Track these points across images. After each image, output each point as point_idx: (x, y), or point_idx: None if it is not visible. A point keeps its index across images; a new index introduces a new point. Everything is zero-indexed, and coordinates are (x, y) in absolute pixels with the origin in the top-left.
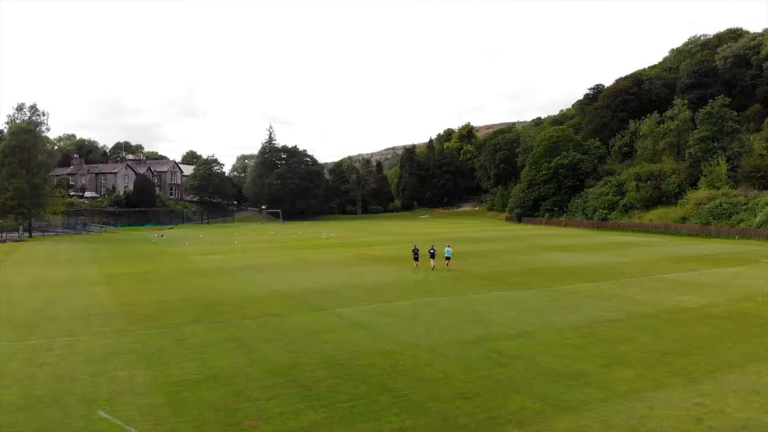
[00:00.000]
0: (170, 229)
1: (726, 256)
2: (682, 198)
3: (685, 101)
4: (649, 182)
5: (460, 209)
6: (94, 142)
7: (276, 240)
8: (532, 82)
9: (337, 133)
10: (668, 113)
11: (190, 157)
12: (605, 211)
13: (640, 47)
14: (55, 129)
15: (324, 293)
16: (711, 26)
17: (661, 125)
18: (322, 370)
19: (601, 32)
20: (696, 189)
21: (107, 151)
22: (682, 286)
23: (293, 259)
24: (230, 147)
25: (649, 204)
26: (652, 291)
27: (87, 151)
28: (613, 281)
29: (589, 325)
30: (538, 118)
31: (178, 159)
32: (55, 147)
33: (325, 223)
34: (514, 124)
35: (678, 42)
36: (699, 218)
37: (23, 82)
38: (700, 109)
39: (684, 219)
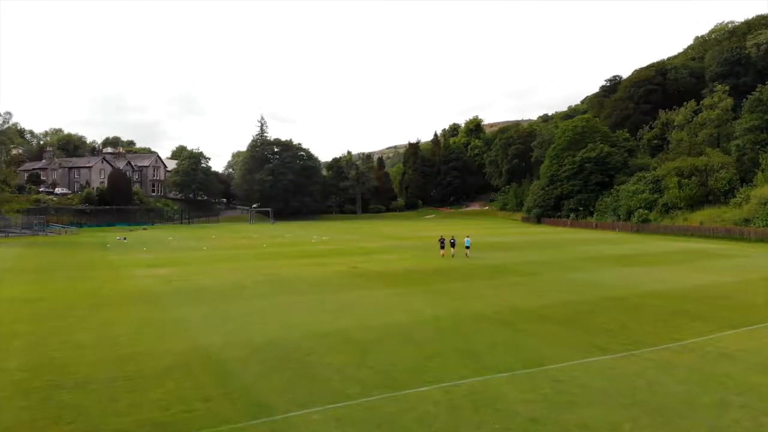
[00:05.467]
0: (144, 229)
1: None
2: (734, 196)
3: (726, 88)
4: (693, 178)
5: (469, 208)
6: (82, 137)
7: (255, 245)
8: (536, 79)
9: (339, 131)
10: (706, 101)
11: (180, 152)
12: (645, 212)
13: (650, 41)
14: (54, 125)
15: (284, 358)
16: (722, 16)
17: (699, 115)
18: None
19: (606, 28)
20: (751, 186)
21: (97, 146)
22: None
23: (263, 276)
24: (233, 145)
25: (694, 203)
26: None
27: (74, 147)
28: (758, 326)
29: None
30: (545, 115)
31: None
32: (41, 141)
33: (321, 224)
34: (519, 121)
35: (692, 33)
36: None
37: (25, 79)
38: (748, 96)
39: (747, 221)
